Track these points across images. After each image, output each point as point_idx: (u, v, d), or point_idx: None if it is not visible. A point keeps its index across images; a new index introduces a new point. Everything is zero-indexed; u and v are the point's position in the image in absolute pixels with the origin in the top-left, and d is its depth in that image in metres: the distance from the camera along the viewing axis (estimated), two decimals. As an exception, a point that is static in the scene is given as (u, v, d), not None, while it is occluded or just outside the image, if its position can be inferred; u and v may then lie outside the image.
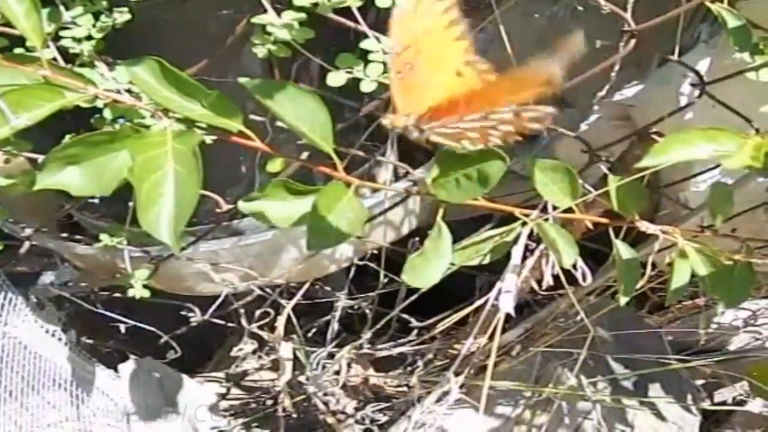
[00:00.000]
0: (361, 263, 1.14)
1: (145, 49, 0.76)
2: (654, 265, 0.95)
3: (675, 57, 0.85)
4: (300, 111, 0.65)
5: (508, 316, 1.28)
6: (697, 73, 0.86)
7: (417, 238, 1.04)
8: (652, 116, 0.91)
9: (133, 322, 1.17)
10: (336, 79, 0.68)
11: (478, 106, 0.63)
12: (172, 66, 0.65)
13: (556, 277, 0.86)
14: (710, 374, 1.35)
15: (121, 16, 0.73)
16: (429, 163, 1.04)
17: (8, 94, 0.60)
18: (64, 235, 1.07)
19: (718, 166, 1.00)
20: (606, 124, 1.07)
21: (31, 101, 0.61)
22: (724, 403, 1.33)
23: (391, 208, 0.97)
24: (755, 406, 1.38)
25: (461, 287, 1.23)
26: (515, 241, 0.77)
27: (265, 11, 0.67)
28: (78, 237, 1.06)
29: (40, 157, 0.77)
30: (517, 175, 1.18)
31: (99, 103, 0.70)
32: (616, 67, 0.80)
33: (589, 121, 1.10)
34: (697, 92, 0.88)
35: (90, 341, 1.28)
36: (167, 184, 0.60)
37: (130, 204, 0.82)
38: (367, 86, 0.68)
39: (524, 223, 0.76)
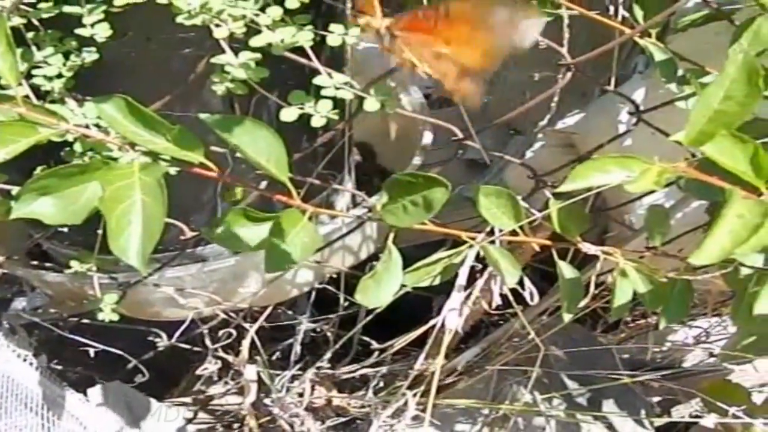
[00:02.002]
0: (322, 287, 1.19)
1: (112, 85, 0.82)
2: (603, 285, 1.01)
3: (612, 87, 0.92)
4: (257, 144, 0.71)
5: (466, 337, 1.35)
6: (633, 102, 0.93)
7: (375, 263, 1.10)
8: (593, 143, 0.99)
9: (102, 347, 1.22)
10: (288, 114, 0.74)
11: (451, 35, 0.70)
12: (138, 102, 0.71)
13: (509, 298, 0.92)
14: (666, 391, 1.41)
15: (90, 55, 0.79)
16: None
17: (-14, 131, 0.66)
18: (34, 263, 1.12)
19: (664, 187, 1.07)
20: (551, 151, 1.14)
21: (8, 137, 0.67)
22: (674, 420, 1.40)
23: (347, 233, 1.03)
24: (709, 421, 1.44)
25: (422, 309, 1.29)
26: (462, 262, 0.83)
27: (223, 51, 0.73)
28: (47, 265, 1.11)
29: (11, 188, 0.84)
30: (472, 202, 1.25)
31: (69, 137, 0.76)
32: (555, 98, 0.86)
33: (534, 148, 1.17)
34: (634, 120, 0.95)
35: (59, 366, 1.32)
36: (135, 212, 0.66)
37: (98, 232, 0.87)
38: (317, 122, 0.74)
39: (471, 246, 0.82)
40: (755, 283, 0.75)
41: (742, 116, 0.65)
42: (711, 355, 1.48)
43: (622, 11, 0.87)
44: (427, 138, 1.15)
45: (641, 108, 0.94)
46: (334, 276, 1.18)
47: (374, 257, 1.16)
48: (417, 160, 1.13)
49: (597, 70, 1.01)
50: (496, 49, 0.73)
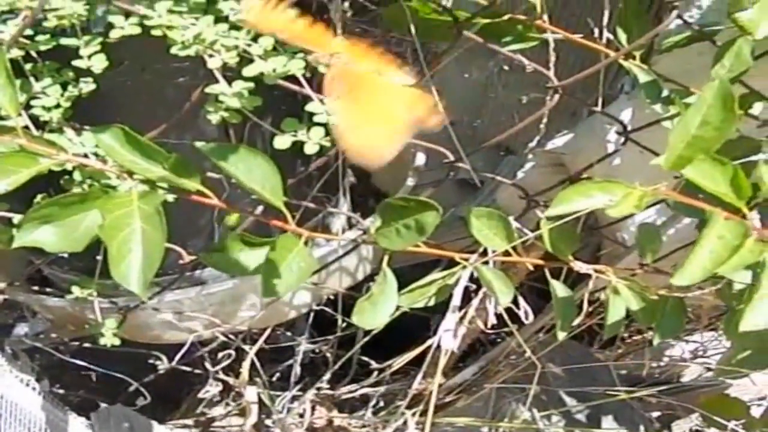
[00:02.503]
0: (320, 308, 1.22)
1: (108, 113, 0.85)
2: (598, 302, 1.03)
3: (599, 108, 0.95)
4: (252, 171, 0.74)
5: (464, 355, 1.37)
6: (620, 122, 0.96)
7: (371, 284, 1.12)
8: (582, 163, 1.01)
9: (104, 371, 1.24)
10: (282, 142, 0.77)
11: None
12: (134, 130, 0.73)
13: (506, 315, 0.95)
14: (664, 406, 1.43)
15: (87, 86, 0.82)
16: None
17: (-11, 162, 0.68)
18: (35, 288, 1.14)
19: (653, 205, 1.10)
20: (542, 171, 1.17)
21: (9, 168, 0.69)
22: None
23: (343, 255, 1.06)
24: (708, 435, 1.46)
25: (420, 328, 1.31)
26: (457, 283, 0.85)
27: (217, 81, 0.76)
28: (48, 290, 1.14)
29: (12, 215, 0.86)
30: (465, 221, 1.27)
31: (68, 166, 0.78)
32: (544, 120, 0.89)
33: (525, 169, 1.20)
34: (622, 139, 0.97)
35: (61, 390, 1.34)
36: (135, 240, 0.68)
37: (98, 258, 0.90)
38: (310, 149, 0.77)
39: (465, 267, 0.85)
40: (740, 301, 0.77)
41: (719, 140, 0.67)
42: (708, 369, 1.50)
43: (607, 33, 0.90)
44: (420, 159, 1.17)
45: (629, 128, 0.97)
46: (332, 297, 1.20)
47: (371, 278, 1.19)
48: (410, 182, 1.16)
49: (586, 90, 1.04)
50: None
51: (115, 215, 0.69)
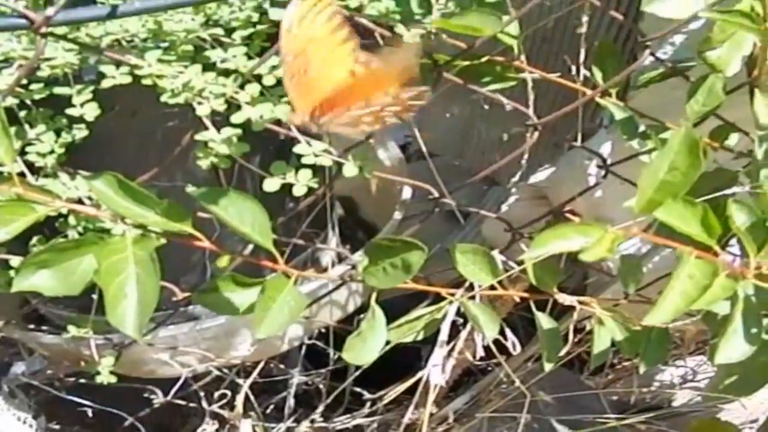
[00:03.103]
0: (312, 341, 1.25)
1: (101, 156, 0.89)
2: (584, 330, 1.07)
3: (579, 143, 0.98)
4: (242, 214, 0.77)
5: (455, 384, 1.40)
6: (600, 156, 1.00)
7: (362, 316, 1.15)
8: (565, 196, 1.05)
9: (99, 406, 1.27)
10: (271, 185, 0.80)
11: (358, 96, 0.75)
12: (127, 173, 0.76)
13: (496, 345, 0.98)
14: (656, 432, 1.45)
15: (80, 132, 0.85)
16: (366, 247, 1.16)
17: (-13, 212, 0.72)
18: (31, 326, 1.17)
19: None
20: (525, 204, 1.20)
21: (7, 217, 0.73)
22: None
23: (333, 290, 1.09)
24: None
25: (412, 358, 1.34)
26: (444, 318, 0.89)
27: (206, 128, 0.80)
28: (44, 328, 1.17)
29: (9, 257, 0.89)
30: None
31: (63, 210, 0.81)
32: (525, 156, 0.92)
33: (509, 202, 1.23)
34: (602, 172, 1.01)
35: (58, 426, 1.37)
36: (130, 285, 0.72)
37: (93, 296, 0.93)
38: (299, 190, 0.81)
39: (451, 302, 0.88)
40: (714, 335, 0.80)
41: (686, 185, 0.71)
42: (698, 394, 1.53)
43: (584, 70, 0.93)
44: (406, 193, 1.20)
45: (608, 161, 1.00)
46: (323, 330, 1.23)
47: (361, 310, 1.22)
48: (398, 215, 1.19)
49: (567, 122, 1.07)
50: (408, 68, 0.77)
51: (111, 261, 0.72)
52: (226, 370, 1.25)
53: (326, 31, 0.76)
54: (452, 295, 0.88)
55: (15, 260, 0.88)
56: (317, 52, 0.76)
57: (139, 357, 1.15)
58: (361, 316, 1.16)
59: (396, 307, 0.91)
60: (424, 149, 1.01)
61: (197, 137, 0.80)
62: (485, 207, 1.30)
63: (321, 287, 1.12)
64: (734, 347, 0.74)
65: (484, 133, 1.37)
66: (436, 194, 0.96)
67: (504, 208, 1.24)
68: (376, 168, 0.88)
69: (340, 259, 1.20)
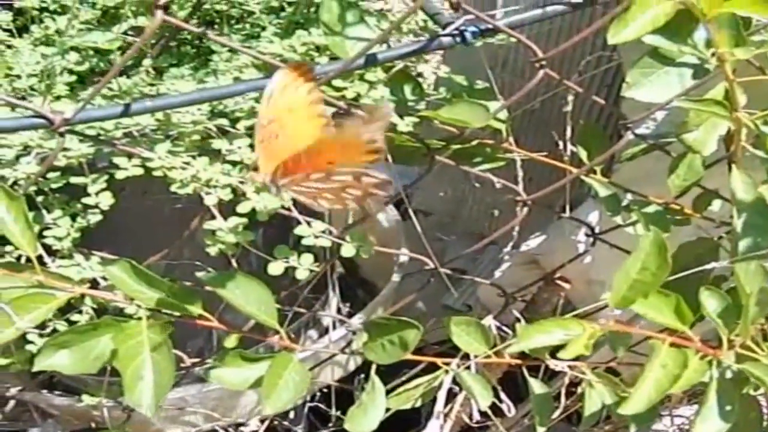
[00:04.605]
0: (315, 405, 1.31)
1: (113, 234, 0.95)
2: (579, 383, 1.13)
3: (567, 214, 1.06)
4: (248, 295, 0.84)
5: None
6: (588, 225, 1.07)
7: (362, 375, 1.22)
8: (555, 263, 1.12)
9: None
10: (275, 269, 0.88)
11: (321, 162, 0.76)
12: (136, 251, 0.84)
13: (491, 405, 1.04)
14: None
15: (94, 217, 0.92)
16: (366, 310, 1.23)
17: (13, 301, 0.79)
18: (44, 391, 1.24)
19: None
20: (519, 269, 1.27)
21: (30, 305, 0.80)
22: None
23: (334, 355, 1.16)
24: None
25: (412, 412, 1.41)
26: (440, 386, 0.95)
27: (214, 216, 0.87)
28: (55, 390, 1.24)
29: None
30: (452, 310, 1.38)
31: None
32: (516, 228, 1.00)
33: (502, 268, 1.30)
34: (591, 240, 1.08)
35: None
36: (146, 368, 0.79)
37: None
38: (301, 274, 0.88)
39: (447, 372, 0.95)
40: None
41: (656, 284, 0.79)
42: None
43: (570, 146, 1.01)
44: (404, 256, 1.27)
45: (597, 229, 1.07)
46: (325, 389, 1.30)
47: (361, 368, 1.29)
48: (396, 277, 1.26)
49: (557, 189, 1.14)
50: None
51: (127, 345, 0.80)
52: (231, 430, 1.31)
53: (304, 102, 0.79)
54: (447, 364, 0.95)
55: (31, 335, 0.95)
56: (291, 121, 0.78)
57: (146, 418, 1.21)
58: (362, 375, 1.23)
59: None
60: (414, 218, 1.07)
61: (205, 226, 0.87)
62: (480, 266, 1.37)
63: (322, 349, 1.19)
64: (711, 425, 0.80)
65: (478, 193, 1.44)
66: (432, 265, 1.02)
67: (497, 273, 1.31)
68: (374, 229, 0.95)
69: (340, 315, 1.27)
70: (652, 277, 0.79)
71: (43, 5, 1.12)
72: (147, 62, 1.03)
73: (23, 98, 1.03)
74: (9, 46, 1.10)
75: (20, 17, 1.13)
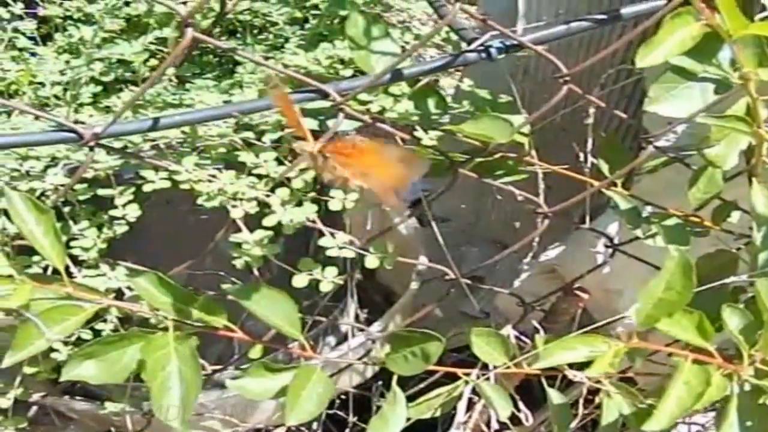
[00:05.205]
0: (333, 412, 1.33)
1: (137, 242, 0.97)
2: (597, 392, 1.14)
3: (587, 225, 1.07)
4: (273, 307, 0.86)
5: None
6: (607, 236, 1.08)
7: (380, 382, 1.23)
8: (574, 273, 1.13)
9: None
10: (300, 281, 0.89)
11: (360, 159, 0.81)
12: (160, 259, 0.86)
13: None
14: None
15: (120, 228, 0.94)
16: (384, 317, 1.25)
17: (43, 313, 0.81)
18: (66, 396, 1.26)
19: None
20: (538, 279, 1.28)
21: (59, 317, 0.81)
22: None
23: (353, 363, 1.17)
24: None
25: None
26: (460, 397, 0.97)
27: (239, 229, 0.88)
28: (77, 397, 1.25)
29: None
30: (467, 317, 1.39)
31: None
32: (537, 239, 1.01)
33: (521, 277, 1.31)
34: (610, 251, 1.09)
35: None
36: (173, 380, 0.81)
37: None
38: (326, 287, 0.90)
39: (466, 382, 0.96)
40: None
41: (681, 304, 0.80)
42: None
43: (591, 159, 1.02)
44: (422, 263, 1.28)
45: (615, 239, 1.08)
46: (343, 396, 1.31)
47: (379, 375, 1.30)
48: (414, 285, 1.27)
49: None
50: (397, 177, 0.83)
51: (155, 356, 0.81)
52: (249, 436, 1.33)
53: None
54: (467, 374, 0.96)
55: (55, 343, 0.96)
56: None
57: (165, 424, 1.23)
58: (380, 382, 1.25)
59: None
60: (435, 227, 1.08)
61: (232, 239, 0.88)
62: (497, 273, 1.38)
63: (341, 356, 1.21)
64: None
65: (498, 201, 1.44)
66: (452, 275, 1.03)
67: (517, 283, 1.32)
68: (392, 236, 0.96)
69: (358, 320, 1.28)
70: (677, 297, 0.80)
71: (67, 14, 1.13)
72: (170, 71, 1.05)
73: (45, 105, 1.05)
74: (33, 54, 1.11)
75: (44, 25, 1.15)
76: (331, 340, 1.32)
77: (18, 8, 1.13)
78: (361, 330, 1.23)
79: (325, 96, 0.79)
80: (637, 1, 0.87)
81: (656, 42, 0.77)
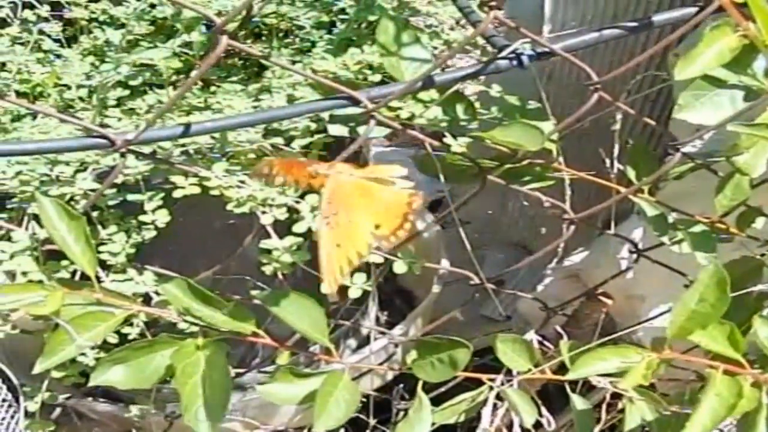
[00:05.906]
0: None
1: (164, 246, 0.97)
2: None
3: (612, 230, 1.07)
4: (301, 313, 0.86)
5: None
6: (632, 242, 1.08)
7: (401, 385, 1.24)
8: (598, 279, 1.13)
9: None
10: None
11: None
12: (187, 262, 0.86)
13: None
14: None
15: (149, 233, 0.94)
16: (406, 321, 1.25)
17: (74, 319, 0.81)
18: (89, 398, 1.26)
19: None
20: (561, 283, 1.29)
21: (90, 323, 0.82)
22: None
23: (376, 366, 1.17)
24: None
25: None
26: (485, 402, 0.97)
27: (268, 235, 0.89)
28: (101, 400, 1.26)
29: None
30: (488, 320, 1.40)
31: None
32: (562, 245, 1.01)
33: (545, 282, 1.32)
34: (635, 256, 1.09)
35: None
36: (203, 388, 0.81)
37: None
38: (354, 293, 0.90)
39: (491, 387, 0.96)
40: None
41: (716, 317, 0.80)
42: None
43: (618, 165, 1.02)
44: (444, 267, 1.29)
45: (640, 245, 1.09)
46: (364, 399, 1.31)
47: (400, 378, 1.30)
48: (436, 288, 1.28)
49: (602, 200, 1.15)
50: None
51: (185, 363, 0.82)
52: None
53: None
54: (491, 380, 0.97)
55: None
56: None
57: (188, 426, 1.23)
58: (401, 385, 1.25)
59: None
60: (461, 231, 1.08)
61: (261, 245, 0.88)
62: (518, 276, 1.38)
63: (363, 359, 1.21)
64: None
65: (519, 203, 1.45)
66: (476, 280, 1.03)
67: (540, 287, 1.32)
68: (414, 239, 0.96)
69: (378, 323, 1.28)
70: (711, 309, 0.80)
71: (93, 16, 1.13)
72: (195, 74, 1.05)
73: (70, 108, 1.05)
74: (58, 56, 1.12)
75: (70, 27, 1.15)
76: (352, 342, 1.32)
77: (44, 10, 1.13)
78: (383, 333, 1.24)
79: (356, 103, 0.79)
80: (667, 7, 0.87)
81: (695, 55, 0.77)
